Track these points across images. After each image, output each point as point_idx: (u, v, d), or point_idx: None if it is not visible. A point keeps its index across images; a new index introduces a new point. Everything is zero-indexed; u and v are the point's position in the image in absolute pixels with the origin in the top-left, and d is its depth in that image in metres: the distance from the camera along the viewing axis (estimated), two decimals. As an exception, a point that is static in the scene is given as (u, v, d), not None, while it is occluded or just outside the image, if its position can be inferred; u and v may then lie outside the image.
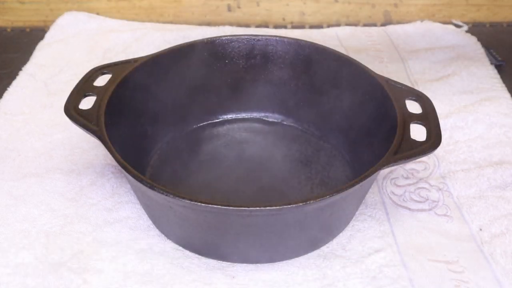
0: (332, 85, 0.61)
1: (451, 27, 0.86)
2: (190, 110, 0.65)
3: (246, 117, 0.67)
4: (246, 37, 0.64)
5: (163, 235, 0.53)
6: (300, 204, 0.44)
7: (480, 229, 0.54)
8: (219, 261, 0.51)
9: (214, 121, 0.67)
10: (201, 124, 0.66)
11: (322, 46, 0.62)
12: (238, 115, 0.67)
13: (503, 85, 0.74)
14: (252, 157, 0.62)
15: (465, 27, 0.88)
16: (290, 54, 0.63)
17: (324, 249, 0.52)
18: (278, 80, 0.65)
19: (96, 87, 0.55)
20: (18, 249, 0.52)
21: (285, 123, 0.66)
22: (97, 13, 0.91)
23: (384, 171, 0.60)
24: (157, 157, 0.62)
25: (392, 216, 0.55)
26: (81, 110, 0.53)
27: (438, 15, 0.92)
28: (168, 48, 0.61)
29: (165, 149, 0.63)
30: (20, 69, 0.76)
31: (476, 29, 0.89)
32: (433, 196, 0.58)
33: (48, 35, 0.84)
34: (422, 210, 0.56)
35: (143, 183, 0.45)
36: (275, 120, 0.67)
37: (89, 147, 0.63)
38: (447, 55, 0.79)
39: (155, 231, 0.54)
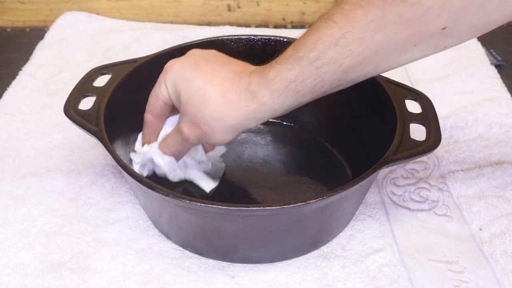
0: (332, 85, 0.61)
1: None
2: (190, 110, 0.65)
3: (246, 117, 0.67)
4: (246, 37, 0.64)
5: (162, 235, 0.53)
6: (300, 204, 0.44)
7: (480, 229, 0.54)
8: (219, 261, 0.51)
9: (214, 121, 0.66)
10: (201, 124, 0.66)
11: (322, 46, 0.62)
12: (238, 115, 0.67)
13: (503, 85, 0.74)
14: (252, 157, 0.62)
15: (465, 27, 0.88)
16: (290, 54, 0.63)
17: (324, 249, 0.52)
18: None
19: (96, 87, 0.55)
20: (18, 249, 0.52)
21: (284, 123, 0.66)
22: (97, 13, 0.91)
23: (384, 171, 0.60)
24: (157, 157, 0.62)
25: (392, 216, 0.55)
26: (81, 110, 0.53)
27: (438, 15, 0.92)
28: (168, 48, 0.61)
29: (165, 149, 0.63)
30: (20, 69, 0.77)
31: (476, 29, 0.89)
32: (433, 196, 0.57)
33: (48, 35, 0.84)
34: (422, 210, 0.56)
35: (142, 183, 0.45)
36: (275, 120, 0.67)
37: (88, 147, 0.63)
38: (447, 55, 0.79)
39: (154, 231, 0.54)
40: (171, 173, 0.54)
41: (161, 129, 0.54)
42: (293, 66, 0.44)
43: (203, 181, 0.56)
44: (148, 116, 0.53)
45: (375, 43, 0.42)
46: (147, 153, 0.53)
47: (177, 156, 0.53)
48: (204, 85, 0.47)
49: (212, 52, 0.51)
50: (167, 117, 0.53)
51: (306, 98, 0.46)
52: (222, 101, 0.46)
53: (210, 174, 0.57)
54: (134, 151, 0.55)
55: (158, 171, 0.54)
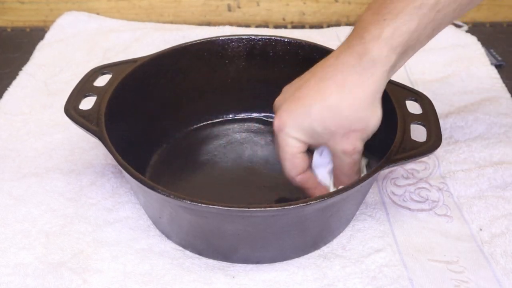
0: (332, 85, 0.61)
1: (451, 27, 0.86)
2: (190, 110, 0.65)
3: (246, 117, 0.67)
4: (246, 37, 0.64)
5: (163, 235, 0.53)
6: (301, 204, 0.44)
7: (480, 229, 0.54)
8: (219, 261, 0.51)
9: (214, 121, 0.67)
10: (201, 124, 0.66)
11: (322, 46, 0.62)
12: (238, 115, 0.67)
13: (503, 85, 0.74)
14: (252, 157, 0.62)
15: (465, 27, 0.88)
16: (290, 54, 0.63)
17: (325, 249, 0.52)
18: (278, 80, 0.65)
19: (96, 87, 0.55)
20: (18, 249, 0.52)
21: (285, 123, 0.66)
22: (97, 13, 0.91)
23: (384, 171, 0.60)
24: (157, 157, 0.62)
25: (392, 216, 0.55)
26: (81, 110, 0.53)
27: (438, 15, 0.92)
28: (168, 48, 0.61)
29: (165, 149, 0.63)
30: (20, 69, 0.76)
31: (476, 29, 0.89)
32: (433, 196, 0.58)
33: (48, 35, 0.84)
34: (422, 210, 0.56)
35: (143, 184, 0.45)
36: (275, 120, 0.67)
37: (89, 147, 0.63)
38: (447, 55, 0.79)
39: (155, 231, 0.54)
40: None
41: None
42: (412, 17, 0.44)
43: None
44: (300, 178, 0.50)
45: None
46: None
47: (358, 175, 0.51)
48: (320, 98, 0.47)
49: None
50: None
51: (423, 44, 0.47)
52: (346, 89, 0.46)
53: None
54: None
55: None
